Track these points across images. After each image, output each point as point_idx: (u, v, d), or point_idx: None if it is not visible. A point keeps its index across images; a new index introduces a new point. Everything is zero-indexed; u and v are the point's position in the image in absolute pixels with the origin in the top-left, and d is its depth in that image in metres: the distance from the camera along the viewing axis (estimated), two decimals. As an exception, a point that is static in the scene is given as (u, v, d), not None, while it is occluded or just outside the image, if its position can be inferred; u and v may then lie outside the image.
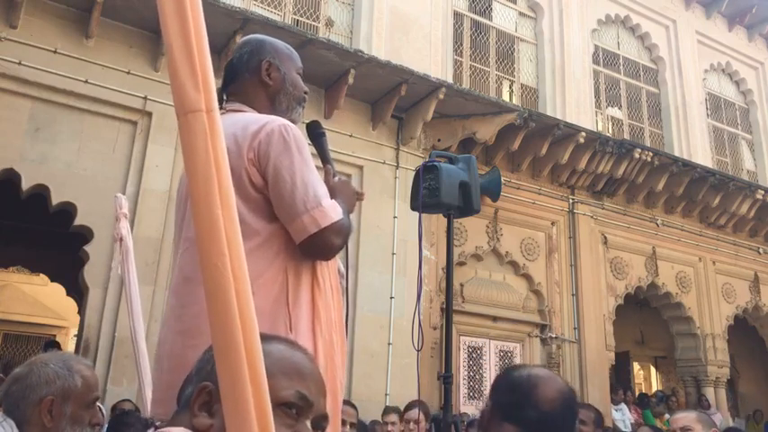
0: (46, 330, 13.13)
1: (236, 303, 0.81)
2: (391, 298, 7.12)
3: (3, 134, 5.65)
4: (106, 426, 3.54)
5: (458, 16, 9.16)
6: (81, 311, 6.58)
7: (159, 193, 6.07)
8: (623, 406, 8.74)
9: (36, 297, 12.87)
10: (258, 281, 1.57)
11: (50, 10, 6.09)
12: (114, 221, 3.73)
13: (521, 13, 9.91)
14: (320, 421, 0.99)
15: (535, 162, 8.72)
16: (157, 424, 1.02)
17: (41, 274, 10.68)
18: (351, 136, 7.36)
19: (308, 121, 1.98)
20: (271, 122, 1.67)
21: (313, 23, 7.85)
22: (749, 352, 12.11)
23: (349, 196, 1.80)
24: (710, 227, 10.38)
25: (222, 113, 1.82)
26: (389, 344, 6.96)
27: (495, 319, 8.07)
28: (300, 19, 7.78)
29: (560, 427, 1.51)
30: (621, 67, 10.85)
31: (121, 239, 3.58)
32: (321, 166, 1.85)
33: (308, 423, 0.96)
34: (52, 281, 10.24)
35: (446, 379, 2.75)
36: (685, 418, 2.67)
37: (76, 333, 7.11)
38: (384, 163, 7.59)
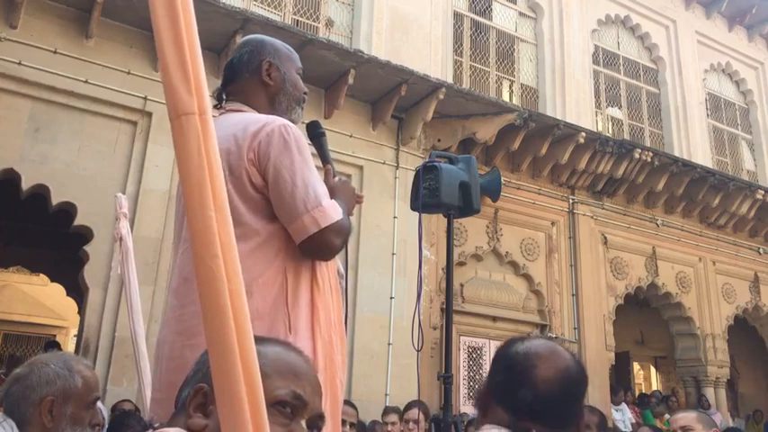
0: (46, 330, 13.15)
1: (230, 304, 0.82)
2: (391, 298, 7.11)
3: (3, 134, 5.65)
4: (106, 426, 3.54)
5: (458, 16, 9.16)
6: (81, 311, 6.58)
7: (159, 193, 6.07)
8: (623, 406, 8.74)
9: (36, 297, 12.88)
10: (258, 281, 1.58)
11: (50, 10, 6.09)
12: (114, 221, 3.74)
13: (521, 13, 9.91)
14: (316, 421, 1.00)
15: (535, 162, 8.72)
16: (155, 425, 1.02)
17: (41, 274, 10.69)
18: (351, 136, 7.36)
19: (307, 122, 1.98)
20: (271, 122, 1.67)
21: (313, 23, 7.85)
22: (749, 352, 12.11)
23: (349, 196, 1.80)
24: (710, 227, 10.38)
25: (222, 113, 1.83)
26: (389, 344, 6.96)
27: (495, 319, 8.07)
28: (300, 19, 7.79)
29: (558, 413, 1.29)
30: (621, 67, 10.85)
31: (121, 239, 3.59)
32: (321, 166, 1.85)
33: (304, 423, 0.96)
34: (52, 281, 10.24)
35: (446, 379, 2.75)
36: (686, 417, 2.66)
37: (76, 333, 7.11)
38: (384, 163, 7.59)
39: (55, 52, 5.97)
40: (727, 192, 9.75)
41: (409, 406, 4.87)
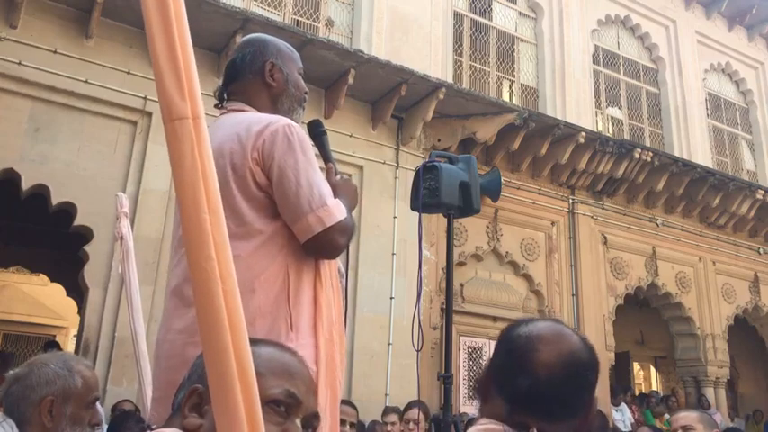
0: (46, 330, 13.14)
1: (224, 305, 0.83)
2: (391, 298, 7.11)
3: (3, 134, 5.65)
4: (106, 426, 3.54)
5: (458, 16, 9.16)
6: (81, 311, 6.58)
7: (159, 192, 6.07)
8: (623, 406, 8.75)
9: (36, 297, 12.87)
10: (260, 278, 1.58)
11: (50, 10, 6.09)
12: (115, 220, 3.73)
13: (521, 13, 9.91)
14: (311, 420, 1.00)
15: (535, 162, 8.72)
16: (153, 427, 1.03)
17: (41, 274, 10.68)
18: (351, 136, 7.36)
19: (308, 121, 1.99)
20: (275, 122, 1.67)
21: (313, 23, 7.85)
22: (749, 352, 12.11)
23: (351, 195, 1.81)
24: (710, 227, 10.38)
25: (223, 113, 1.84)
26: (389, 344, 6.96)
27: (495, 319, 8.06)
28: (300, 19, 7.79)
29: (560, 403, 1.15)
30: (621, 67, 10.85)
31: (122, 238, 3.58)
32: (322, 164, 1.86)
33: (298, 421, 0.97)
34: (52, 281, 10.24)
35: (446, 379, 2.75)
36: (687, 417, 2.64)
37: (76, 333, 7.11)
38: (384, 163, 7.59)
39: (55, 52, 5.97)
40: (727, 192, 9.75)
41: (409, 406, 4.87)
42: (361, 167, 7.39)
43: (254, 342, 0.90)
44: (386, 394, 6.74)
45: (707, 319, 9.91)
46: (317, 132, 1.94)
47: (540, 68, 9.70)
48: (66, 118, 5.96)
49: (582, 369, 1.19)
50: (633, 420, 8.60)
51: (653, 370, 13.73)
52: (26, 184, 5.68)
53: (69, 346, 11.86)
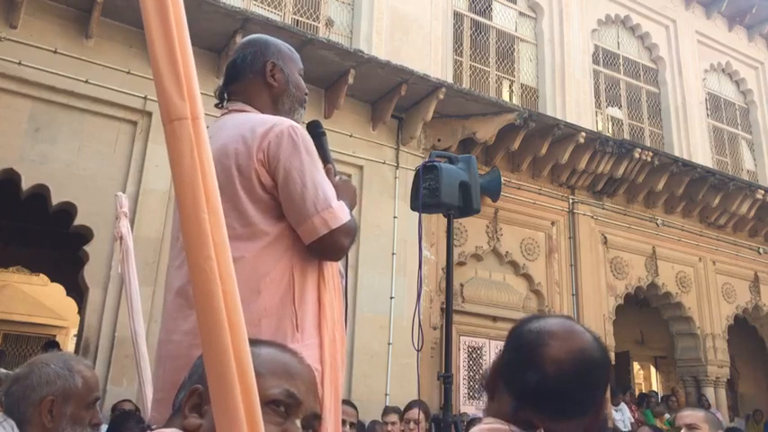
0: (46, 330, 13.14)
1: (223, 306, 0.83)
2: (391, 298, 7.12)
3: (3, 134, 5.65)
4: (106, 427, 3.54)
5: (458, 16, 9.16)
6: (81, 311, 6.58)
7: (159, 192, 6.07)
8: (623, 406, 8.75)
9: (36, 297, 12.88)
10: (265, 279, 1.59)
11: (50, 10, 6.09)
12: (115, 220, 3.73)
13: (521, 13, 9.91)
14: (311, 420, 1.00)
15: (535, 162, 8.72)
16: (153, 427, 1.03)
17: (41, 274, 10.69)
18: (351, 136, 7.36)
19: (307, 121, 1.99)
20: (279, 124, 1.68)
21: (313, 23, 7.85)
22: (749, 352, 12.11)
23: (351, 195, 1.82)
24: (710, 227, 10.38)
25: (225, 113, 1.84)
26: (389, 344, 6.96)
27: (495, 319, 8.06)
28: (300, 19, 7.79)
29: (568, 400, 1.13)
30: (621, 67, 10.85)
31: (122, 238, 3.58)
32: (322, 165, 1.86)
33: (298, 422, 0.97)
34: (52, 281, 10.24)
35: (446, 379, 2.75)
36: (693, 415, 2.61)
37: (76, 333, 7.11)
38: (384, 163, 7.59)
39: (55, 52, 5.97)
40: (727, 191, 9.75)
41: (409, 406, 4.86)
42: (361, 167, 7.39)
43: (253, 342, 0.90)
44: (386, 394, 6.74)
45: (707, 319, 9.91)
46: (316, 133, 1.94)
47: (540, 68, 9.70)
48: (66, 118, 5.96)
49: (593, 367, 1.16)
50: (633, 420, 8.60)
51: (653, 370, 13.73)
52: (26, 184, 5.68)
53: (69, 346, 11.86)
